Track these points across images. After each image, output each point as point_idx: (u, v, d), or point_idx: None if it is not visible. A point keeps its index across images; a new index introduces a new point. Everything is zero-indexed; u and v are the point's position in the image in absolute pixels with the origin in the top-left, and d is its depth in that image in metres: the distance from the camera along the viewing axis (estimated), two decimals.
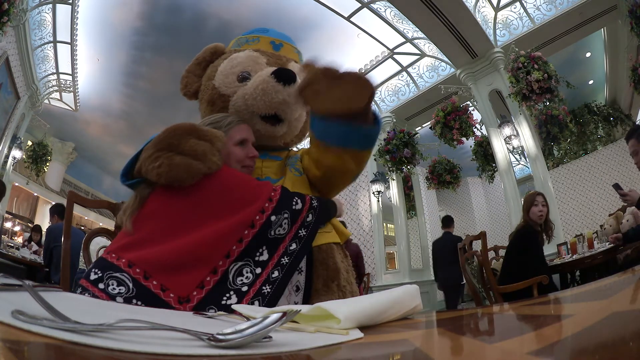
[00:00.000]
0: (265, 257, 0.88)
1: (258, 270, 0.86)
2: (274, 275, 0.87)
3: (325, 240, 1.03)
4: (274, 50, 1.28)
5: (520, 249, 2.61)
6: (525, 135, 5.00)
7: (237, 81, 1.16)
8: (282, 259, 0.90)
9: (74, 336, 0.29)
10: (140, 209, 0.90)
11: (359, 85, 0.86)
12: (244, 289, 0.84)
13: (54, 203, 5.41)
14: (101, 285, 0.78)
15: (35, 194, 8.82)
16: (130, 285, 0.79)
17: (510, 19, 5.25)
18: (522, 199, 2.86)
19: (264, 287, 0.85)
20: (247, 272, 0.85)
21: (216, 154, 0.92)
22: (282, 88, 1.07)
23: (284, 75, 1.07)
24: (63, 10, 5.60)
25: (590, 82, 7.65)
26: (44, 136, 7.36)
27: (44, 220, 8.72)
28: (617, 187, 2.40)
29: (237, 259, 0.85)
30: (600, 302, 0.53)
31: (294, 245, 0.92)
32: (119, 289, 0.78)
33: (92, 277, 0.80)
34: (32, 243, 5.32)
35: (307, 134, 1.34)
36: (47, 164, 7.33)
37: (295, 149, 1.33)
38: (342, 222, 1.78)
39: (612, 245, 2.93)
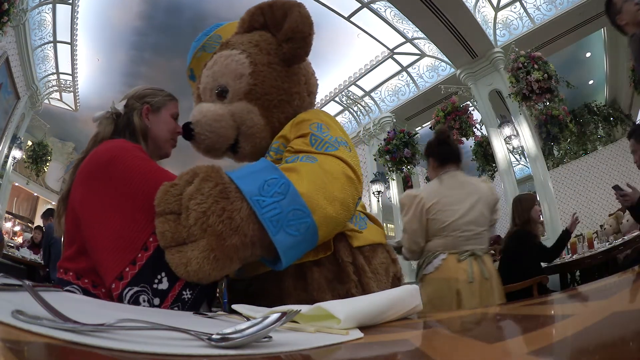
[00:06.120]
0: (164, 285, 0.74)
1: (156, 301, 0.74)
2: None
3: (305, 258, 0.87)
4: (192, 80, 1.20)
5: (522, 251, 2.61)
6: (525, 135, 5.00)
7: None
8: (184, 292, 0.75)
9: (74, 336, 0.29)
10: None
11: None
12: None
13: (48, 207, 5.45)
14: None
15: (35, 194, 8.81)
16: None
17: (510, 19, 5.25)
18: (516, 202, 2.82)
19: None
20: (143, 301, 0.73)
21: None
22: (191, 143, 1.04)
23: (183, 135, 1.03)
24: (63, 10, 5.59)
25: (590, 82, 7.64)
26: (44, 136, 7.35)
27: None
28: (617, 188, 2.37)
29: (132, 282, 0.73)
30: (600, 302, 0.53)
31: None
32: None
33: None
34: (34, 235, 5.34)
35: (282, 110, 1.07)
36: (47, 164, 7.31)
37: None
38: None
39: (612, 245, 2.94)
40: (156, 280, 0.74)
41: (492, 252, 3.16)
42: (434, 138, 2.10)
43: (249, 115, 1.00)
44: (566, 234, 2.84)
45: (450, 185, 1.88)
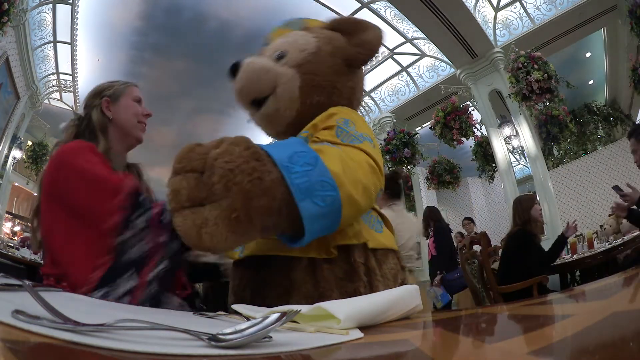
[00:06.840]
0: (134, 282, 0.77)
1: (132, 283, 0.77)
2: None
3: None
4: (263, 46, 1.28)
5: (523, 251, 2.63)
6: (525, 135, 5.00)
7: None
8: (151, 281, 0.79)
9: (74, 336, 0.29)
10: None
11: None
12: None
13: None
14: None
15: (35, 194, 8.81)
16: None
17: (510, 19, 5.25)
18: (516, 203, 2.84)
19: None
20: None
21: None
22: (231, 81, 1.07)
23: (230, 69, 1.06)
24: (63, 10, 5.59)
25: (590, 82, 7.65)
26: (44, 136, 7.34)
27: None
28: (617, 189, 2.38)
29: (99, 286, 0.76)
30: (600, 302, 0.53)
31: (161, 265, 0.80)
32: None
33: None
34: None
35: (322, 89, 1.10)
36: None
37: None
38: None
39: (612, 245, 2.94)
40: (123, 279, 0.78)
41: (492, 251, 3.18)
42: (389, 175, 2.55)
43: (290, 81, 1.04)
44: (562, 239, 2.84)
45: (399, 215, 2.35)
